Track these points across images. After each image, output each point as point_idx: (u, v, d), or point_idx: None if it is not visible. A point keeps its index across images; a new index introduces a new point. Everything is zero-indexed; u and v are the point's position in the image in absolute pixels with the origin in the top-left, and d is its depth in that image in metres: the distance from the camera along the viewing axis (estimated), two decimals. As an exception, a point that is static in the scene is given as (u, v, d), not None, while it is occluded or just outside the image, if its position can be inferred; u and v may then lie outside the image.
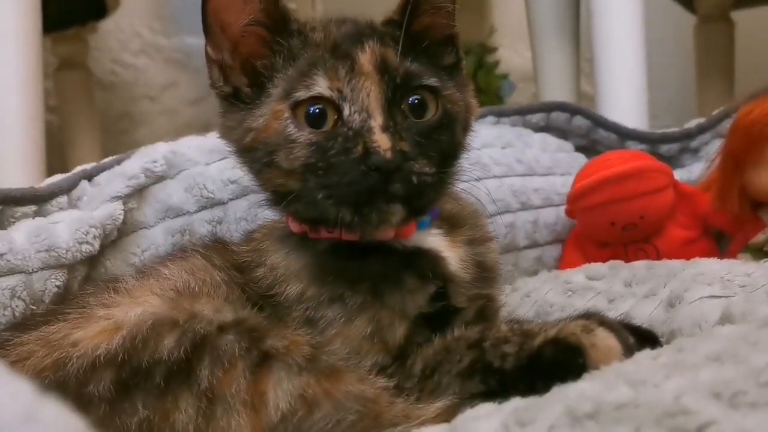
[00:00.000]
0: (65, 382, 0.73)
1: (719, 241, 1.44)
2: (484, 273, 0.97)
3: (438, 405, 0.78)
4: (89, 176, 1.16)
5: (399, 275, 0.90)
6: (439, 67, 0.94)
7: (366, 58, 0.87)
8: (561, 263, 1.47)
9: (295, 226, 0.95)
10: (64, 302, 0.93)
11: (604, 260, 1.34)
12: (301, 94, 0.87)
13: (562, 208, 1.44)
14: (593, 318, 0.80)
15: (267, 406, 0.73)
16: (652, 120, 3.27)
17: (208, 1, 0.89)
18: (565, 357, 0.75)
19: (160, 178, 1.17)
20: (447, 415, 0.75)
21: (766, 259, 1.25)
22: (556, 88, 2.18)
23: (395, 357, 0.86)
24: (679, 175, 1.55)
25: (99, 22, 2.76)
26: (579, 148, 1.66)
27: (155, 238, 1.14)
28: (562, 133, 1.65)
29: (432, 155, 0.87)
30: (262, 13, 0.90)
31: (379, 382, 0.80)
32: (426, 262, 0.92)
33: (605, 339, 0.75)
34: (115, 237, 1.12)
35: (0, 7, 1.66)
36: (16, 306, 0.97)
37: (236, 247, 1.01)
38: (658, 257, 1.37)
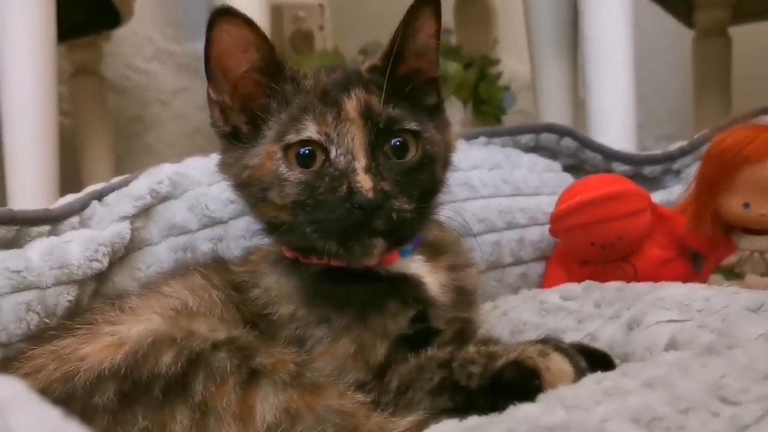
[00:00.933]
0: (73, 394, 0.81)
1: (695, 261, 1.51)
2: (463, 297, 1.05)
3: (409, 419, 0.85)
4: (99, 196, 1.24)
5: (382, 300, 0.98)
6: (421, 108, 1.03)
7: (352, 105, 0.96)
8: (545, 280, 1.54)
9: (288, 252, 1.03)
10: (73, 318, 1.01)
11: (586, 277, 1.42)
12: (292, 138, 0.96)
13: (547, 226, 1.51)
14: (550, 343, 0.88)
15: (255, 419, 0.80)
16: (653, 128, 3.33)
17: (212, 48, 0.97)
18: (523, 378, 0.83)
19: (164, 198, 1.26)
20: (417, 429, 0.83)
21: (733, 281, 1.34)
22: (554, 98, 2.26)
23: (375, 374, 0.94)
24: (660, 196, 1.62)
25: (113, 31, 2.83)
26: (568, 167, 1.73)
27: (160, 255, 1.23)
28: (551, 152, 1.72)
29: (412, 193, 0.95)
30: (260, 60, 0.99)
31: (358, 398, 0.88)
32: (408, 288, 1.00)
33: (559, 363, 0.83)
34: (122, 254, 1.20)
35: (15, 18, 1.73)
36: (31, 319, 1.05)
37: (234, 267, 1.09)
38: (636, 275, 1.45)
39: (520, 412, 0.67)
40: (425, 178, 0.99)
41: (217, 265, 1.11)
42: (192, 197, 1.26)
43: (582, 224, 1.41)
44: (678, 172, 1.67)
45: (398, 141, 0.97)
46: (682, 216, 1.45)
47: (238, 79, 1.00)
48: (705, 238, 1.41)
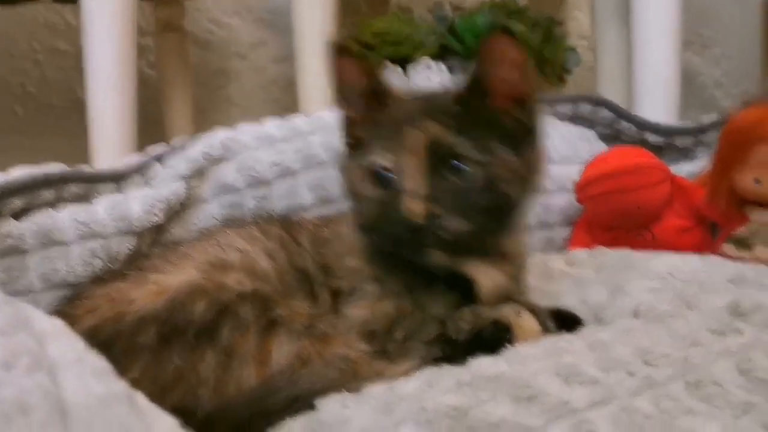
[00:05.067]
0: (121, 332, 0.94)
1: (714, 231, 1.59)
2: (503, 298, 1.13)
3: (404, 366, 0.98)
4: (160, 158, 1.41)
5: (429, 287, 1.09)
6: (501, 134, 1.08)
7: (419, 135, 1.05)
8: (570, 244, 1.65)
9: None
10: (127, 265, 1.17)
11: (608, 242, 1.53)
12: (371, 162, 1.08)
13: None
14: (525, 305, 1.01)
15: (271, 362, 0.94)
16: (732, 87, 3.32)
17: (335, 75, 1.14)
18: (499, 334, 0.97)
19: (217, 161, 1.40)
20: (407, 374, 0.97)
21: (743, 251, 1.42)
22: (613, 60, 2.33)
23: (395, 329, 1.07)
24: (689, 167, 1.70)
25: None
26: (605, 136, 1.82)
27: (211, 211, 1.38)
28: (589, 122, 1.81)
29: (466, 213, 1.03)
30: (369, 86, 1.13)
31: (362, 347, 1.01)
32: (457, 284, 1.10)
33: (529, 321, 0.98)
34: (178, 209, 1.36)
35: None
36: (96, 263, 1.22)
37: (317, 226, 1.23)
38: (655, 242, 1.55)
39: (474, 364, 0.80)
40: (487, 199, 1.05)
41: (295, 222, 1.24)
42: (241, 160, 1.41)
43: (602, 194, 1.51)
44: (708, 144, 1.73)
45: (458, 165, 1.05)
46: (700, 188, 1.53)
47: (357, 99, 1.14)
48: (720, 209, 1.49)
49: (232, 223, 1.28)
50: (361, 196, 1.11)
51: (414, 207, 1.01)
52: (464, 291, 1.10)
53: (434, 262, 1.06)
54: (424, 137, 1.05)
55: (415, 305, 1.08)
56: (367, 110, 1.14)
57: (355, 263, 1.13)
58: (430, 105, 1.11)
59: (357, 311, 1.08)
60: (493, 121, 1.08)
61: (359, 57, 1.12)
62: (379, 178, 1.08)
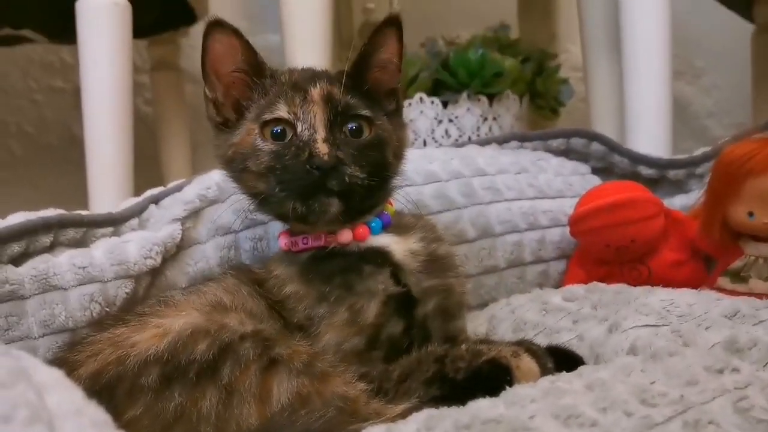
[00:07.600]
0: (124, 374, 0.96)
1: (709, 263, 1.60)
2: (437, 262, 1.22)
3: (402, 406, 0.99)
4: (156, 200, 1.42)
5: (359, 267, 1.17)
6: (379, 108, 1.22)
7: (316, 91, 1.16)
8: (565, 278, 1.66)
9: (283, 242, 1.24)
10: (131, 307, 1.18)
11: (602, 276, 1.54)
12: (267, 116, 1.16)
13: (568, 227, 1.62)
14: (523, 345, 1.02)
15: (271, 399, 0.95)
16: (724, 117, 3.34)
17: (206, 55, 1.19)
18: (498, 374, 0.97)
19: (212, 202, 1.41)
20: (407, 414, 0.97)
21: (738, 284, 1.43)
22: (605, 93, 2.33)
23: (369, 337, 1.12)
24: (683, 200, 1.71)
25: (190, 27, 3.01)
26: (598, 170, 1.84)
27: (207, 252, 1.39)
28: (582, 155, 1.83)
29: (363, 165, 1.13)
30: (244, 62, 1.19)
31: (360, 386, 1.02)
32: (377, 255, 1.19)
33: (528, 363, 0.98)
34: (174, 251, 1.36)
35: (94, 21, 1.92)
36: (94, 308, 1.22)
37: (256, 269, 1.28)
38: (650, 276, 1.55)
39: (472, 406, 0.80)
40: (376, 156, 1.17)
41: (243, 269, 1.29)
42: (236, 201, 1.39)
43: (596, 228, 1.52)
44: (701, 176, 1.74)
45: (354, 125, 1.16)
46: (694, 221, 1.54)
47: (228, 79, 1.21)
48: (714, 242, 1.49)
49: (205, 280, 1.33)
50: (251, 154, 1.16)
51: (323, 148, 1.10)
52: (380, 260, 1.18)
53: (331, 211, 1.13)
54: (323, 92, 1.16)
55: (356, 293, 1.14)
56: (243, 88, 1.21)
57: (293, 287, 1.18)
58: (320, 74, 1.22)
59: (325, 339, 1.12)
60: (373, 97, 1.21)
61: (237, 33, 1.17)
62: (274, 135, 1.15)
